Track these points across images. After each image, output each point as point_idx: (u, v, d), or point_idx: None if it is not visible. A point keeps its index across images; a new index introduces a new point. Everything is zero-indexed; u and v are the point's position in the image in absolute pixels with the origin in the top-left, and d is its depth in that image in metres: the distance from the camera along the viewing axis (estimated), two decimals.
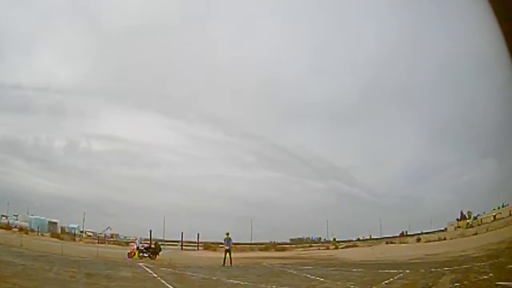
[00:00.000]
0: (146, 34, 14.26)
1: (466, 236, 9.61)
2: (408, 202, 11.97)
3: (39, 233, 12.45)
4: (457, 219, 10.72)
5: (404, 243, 10.97)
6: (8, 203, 12.45)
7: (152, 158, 15.15)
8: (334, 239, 12.68)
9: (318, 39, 14.08)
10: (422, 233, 10.96)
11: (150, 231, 11.66)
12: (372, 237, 12.13)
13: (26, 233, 11.92)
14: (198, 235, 13.21)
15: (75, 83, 14.29)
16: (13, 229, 12.29)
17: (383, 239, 11.75)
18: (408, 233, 11.29)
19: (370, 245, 11.91)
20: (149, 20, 14.26)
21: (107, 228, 13.42)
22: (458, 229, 10.33)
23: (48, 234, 12.65)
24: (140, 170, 15.08)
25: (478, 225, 10.18)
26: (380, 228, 11.68)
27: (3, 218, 12.65)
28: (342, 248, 12.15)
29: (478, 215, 10.48)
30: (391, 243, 11.35)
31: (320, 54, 14.32)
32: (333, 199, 14.04)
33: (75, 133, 14.83)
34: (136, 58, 14.44)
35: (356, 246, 12.20)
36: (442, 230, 10.74)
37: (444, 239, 10.29)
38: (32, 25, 13.65)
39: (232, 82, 14.30)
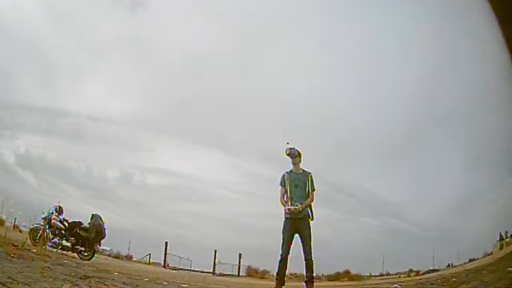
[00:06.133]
0: (200, 71, 14.30)
1: None
2: (454, 232, 10.92)
3: None
4: (497, 241, 9.50)
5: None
6: None
7: (207, 194, 14.97)
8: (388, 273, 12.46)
9: (366, 73, 13.61)
10: (470, 261, 9.96)
11: None
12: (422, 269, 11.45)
13: None
14: (240, 255, 12.43)
15: (128, 116, 14.37)
16: None
17: (433, 271, 11.00)
18: (456, 264, 10.30)
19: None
20: (202, 56, 14.32)
21: (146, 255, 12.89)
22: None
23: None
24: (194, 205, 14.82)
25: None
26: (433, 259, 11.05)
27: None
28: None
29: None
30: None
31: (369, 89, 13.78)
32: (385, 235, 13.57)
33: (129, 165, 14.45)
34: (191, 94, 14.34)
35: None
36: (488, 254, 9.58)
37: None
38: (84, 55, 14.06)
39: (286, 119, 13.84)
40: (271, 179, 4.91)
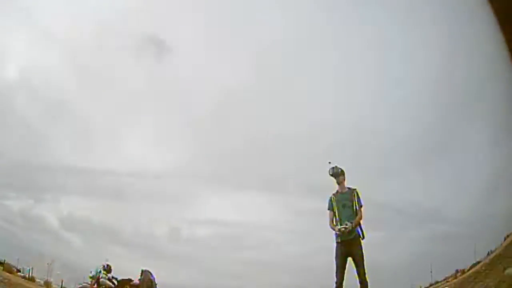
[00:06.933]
0: (233, 115, 14.04)
1: None
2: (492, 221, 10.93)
3: None
4: None
5: None
6: None
7: (257, 239, 14.50)
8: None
9: (398, 87, 13.38)
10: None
11: None
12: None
13: None
14: None
15: (170, 168, 13.97)
16: None
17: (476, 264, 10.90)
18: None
19: None
20: (237, 97, 13.96)
21: None
22: None
23: None
24: (245, 252, 14.34)
25: None
26: (474, 254, 10.94)
27: None
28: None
29: None
30: None
31: (400, 101, 13.32)
32: (428, 243, 12.82)
33: (176, 219, 14.19)
34: (227, 138, 14.06)
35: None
36: None
37: None
38: (117, 111, 13.85)
39: (321, 148, 13.33)
40: (321, 211, 4.71)
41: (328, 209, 4.58)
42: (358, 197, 4.52)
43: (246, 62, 13.83)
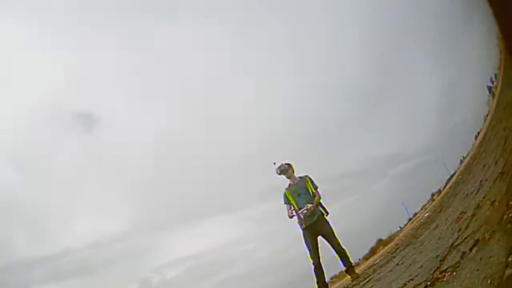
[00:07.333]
0: (172, 159, 14.69)
1: None
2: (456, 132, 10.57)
3: None
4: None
5: None
6: None
7: (226, 258, 14.93)
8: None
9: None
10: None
11: None
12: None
13: None
14: None
15: (125, 229, 14.48)
16: None
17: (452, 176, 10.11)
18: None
19: None
20: (168, 146, 14.76)
21: None
22: None
23: None
24: (220, 274, 14.89)
25: None
26: (447, 170, 10.17)
27: None
28: None
29: None
30: None
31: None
32: (398, 184, 12.72)
33: (145, 271, 14.70)
34: (173, 181, 14.78)
35: None
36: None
37: None
38: (59, 191, 14.09)
39: (264, 147, 13.54)
40: (280, 210, 4.71)
41: (285, 203, 4.57)
42: (312, 181, 4.61)
43: (172, 107, 14.71)
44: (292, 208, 4.44)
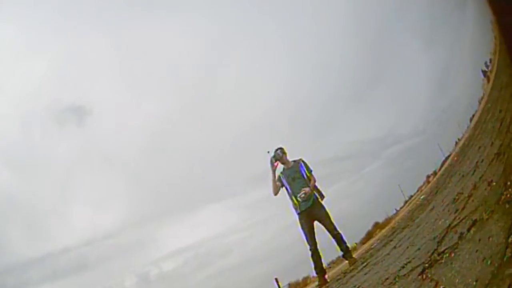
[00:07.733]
0: (162, 150, 15.03)
1: None
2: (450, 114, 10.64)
3: None
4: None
5: None
6: None
7: (221, 247, 15.14)
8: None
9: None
10: None
11: None
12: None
13: None
14: (276, 280, 11.99)
15: (118, 224, 14.85)
16: None
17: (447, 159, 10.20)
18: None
19: None
20: (159, 137, 15.00)
21: None
22: None
23: None
24: (217, 264, 15.16)
25: None
26: (442, 152, 10.17)
27: None
28: None
29: None
30: None
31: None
32: (392, 167, 13.23)
33: (142, 265, 14.94)
34: (165, 172, 14.95)
35: None
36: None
37: None
38: (53, 189, 14.61)
39: (256, 131, 14.20)
40: (271, 196, 4.55)
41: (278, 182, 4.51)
42: (306, 165, 4.54)
43: (161, 98, 15.19)
44: (288, 194, 4.43)
